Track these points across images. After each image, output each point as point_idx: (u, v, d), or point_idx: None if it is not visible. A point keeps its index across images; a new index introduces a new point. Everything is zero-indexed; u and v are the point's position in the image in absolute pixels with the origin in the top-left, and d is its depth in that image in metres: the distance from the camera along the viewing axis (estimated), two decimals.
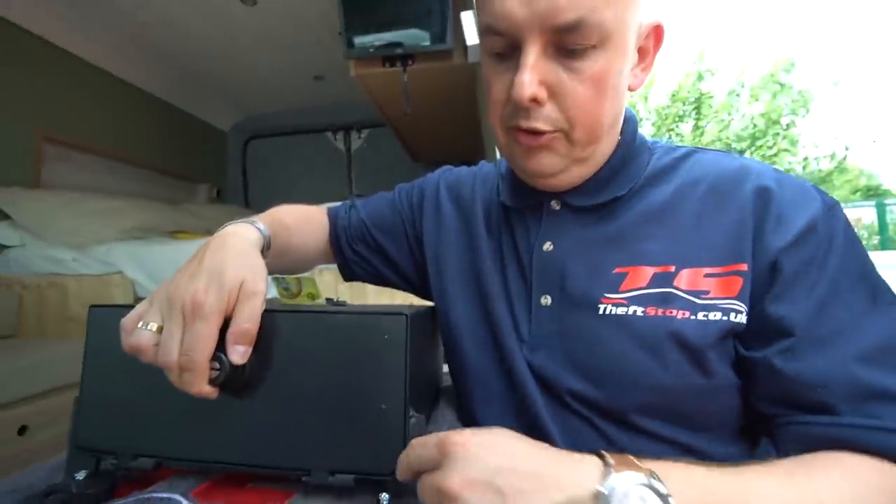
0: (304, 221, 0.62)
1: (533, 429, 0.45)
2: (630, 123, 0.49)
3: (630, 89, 0.45)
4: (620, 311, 0.42)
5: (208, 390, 0.35)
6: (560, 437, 0.44)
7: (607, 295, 0.43)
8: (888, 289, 0.38)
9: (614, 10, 0.37)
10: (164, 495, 0.39)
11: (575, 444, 0.42)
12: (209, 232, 2.40)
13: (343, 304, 0.65)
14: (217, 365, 0.35)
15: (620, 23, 0.38)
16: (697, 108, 8.23)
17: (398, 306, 0.52)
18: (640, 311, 0.41)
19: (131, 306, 0.39)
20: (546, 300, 0.47)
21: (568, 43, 0.38)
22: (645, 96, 8.76)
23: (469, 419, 0.53)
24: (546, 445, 0.31)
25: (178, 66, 2.59)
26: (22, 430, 1.28)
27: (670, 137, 7.91)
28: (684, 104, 8.26)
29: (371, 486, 0.36)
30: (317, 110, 3.21)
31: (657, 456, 0.31)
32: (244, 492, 0.40)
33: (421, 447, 0.31)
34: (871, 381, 0.35)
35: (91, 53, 2.23)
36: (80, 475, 0.40)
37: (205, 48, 2.39)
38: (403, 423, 0.37)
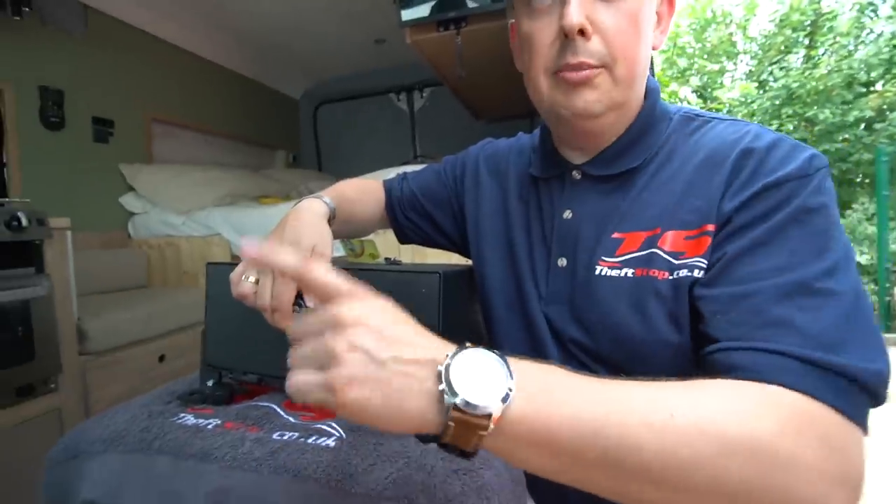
0: (364, 193, 0.71)
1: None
2: (652, 93, 0.52)
3: (653, 48, 0.49)
4: (614, 272, 0.47)
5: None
6: None
7: (604, 258, 0.48)
8: (843, 258, 0.37)
9: None
10: (264, 404, 0.54)
11: None
12: (288, 196, 2.64)
13: (398, 262, 0.75)
14: (297, 307, 0.47)
15: None
16: (811, 34, 6.76)
17: (436, 265, 0.60)
18: (630, 272, 0.46)
19: (236, 264, 0.51)
20: (562, 262, 0.52)
21: None
22: (743, 25, 7.41)
23: None
24: (421, 328, 0.31)
25: (254, 43, 2.77)
26: (161, 358, 1.62)
27: (771, 72, 6.65)
28: (794, 30, 6.81)
29: None
30: (379, 73, 3.27)
31: None
32: (314, 407, 0.53)
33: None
34: (773, 312, 0.35)
35: (181, 39, 2.48)
36: (210, 383, 0.56)
37: (275, 23, 2.52)
38: None
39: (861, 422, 0.31)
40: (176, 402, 0.56)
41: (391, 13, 1.52)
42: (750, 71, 7.09)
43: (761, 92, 6.27)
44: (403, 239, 0.77)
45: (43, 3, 1.72)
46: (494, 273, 0.61)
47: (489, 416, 0.26)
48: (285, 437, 0.46)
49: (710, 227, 0.43)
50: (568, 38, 0.44)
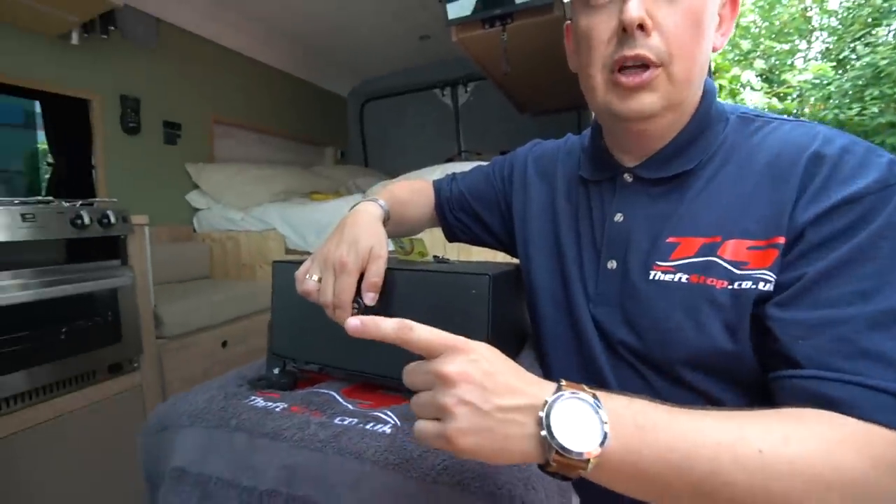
0: (415, 194, 0.74)
1: (590, 370, 0.53)
2: (708, 94, 0.50)
3: (713, 49, 0.48)
4: (668, 277, 0.47)
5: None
6: (612, 377, 0.52)
7: (658, 262, 0.48)
8: None
9: None
10: (324, 391, 0.58)
11: (623, 386, 0.50)
12: (337, 192, 2.74)
13: (446, 260, 0.78)
14: (356, 305, 0.50)
15: None
16: None
17: (486, 266, 0.62)
18: (684, 278, 0.46)
19: (300, 262, 0.56)
20: (612, 264, 0.52)
21: None
22: (820, 0, 6.70)
23: (543, 361, 0.62)
24: (520, 369, 0.35)
25: (304, 45, 2.90)
26: (224, 344, 1.75)
27: (853, 49, 5.96)
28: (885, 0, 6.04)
29: None
30: (424, 68, 3.31)
31: (690, 404, 0.37)
32: (375, 393, 0.57)
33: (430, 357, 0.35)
34: (865, 342, 0.34)
35: (239, 45, 2.64)
36: (276, 370, 0.61)
37: (323, 24, 2.62)
38: None
39: None
40: (246, 385, 0.62)
41: (435, 9, 1.54)
42: (826, 49, 6.45)
43: (840, 72, 5.70)
44: (452, 238, 0.80)
45: (124, 21, 1.90)
46: (542, 273, 0.62)
47: (587, 459, 0.29)
48: (346, 423, 0.50)
49: (780, 240, 0.41)
50: (627, 32, 0.43)
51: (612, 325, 0.51)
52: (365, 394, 0.58)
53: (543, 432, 0.30)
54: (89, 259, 1.29)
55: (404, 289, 0.53)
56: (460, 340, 0.34)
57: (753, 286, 0.42)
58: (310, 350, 0.60)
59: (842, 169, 0.40)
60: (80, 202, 1.27)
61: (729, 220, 0.45)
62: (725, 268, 0.43)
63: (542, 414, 0.30)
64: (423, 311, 0.52)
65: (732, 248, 0.44)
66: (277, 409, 0.54)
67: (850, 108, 5.13)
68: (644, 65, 0.44)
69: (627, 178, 0.54)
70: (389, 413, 0.52)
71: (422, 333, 0.34)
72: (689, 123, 0.50)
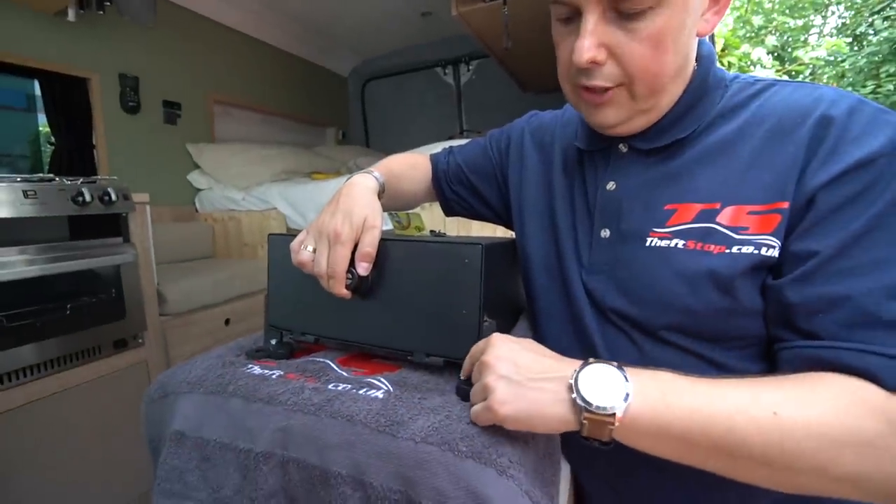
0: (411, 168, 0.74)
1: (581, 338, 0.54)
2: (705, 60, 0.49)
3: (699, 35, 0.45)
4: (664, 243, 0.46)
5: (345, 293, 0.50)
6: (602, 345, 0.52)
7: (655, 229, 0.48)
8: None
9: None
10: (320, 359, 0.59)
11: (613, 352, 0.50)
12: (338, 172, 2.74)
13: (443, 235, 0.78)
14: (350, 275, 0.50)
15: None
16: None
17: (479, 238, 0.62)
18: (681, 243, 0.45)
19: (295, 235, 0.56)
20: (605, 233, 0.52)
21: (624, 8, 0.40)
22: None
23: (536, 330, 0.63)
24: (555, 354, 0.40)
25: (305, 23, 2.84)
26: (227, 321, 1.78)
27: (871, 23, 5.75)
28: None
29: (454, 367, 0.50)
30: (426, 46, 3.25)
31: (681, 367, 0.38)
32: (369, 362, 0.58)
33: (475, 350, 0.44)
34: (884, 313, 0.35)
35: (240, 23, 2.59)
36: (273, 342, 0.62)
37: (323, 3, 2.57)
38: (478, 324, 0.49)
39: None
40: (244, 355, 0.63)
41: None
42: (843, 24, 6.24)
43: (855, 48, 5.53)
44: (449, 212, 0.80)
45: None
46: (536, 244, 0.62)
47: (614, 414, 0.33)
48: (339, 388, 0.51)
49: (784, 205, 0.41)
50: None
51: (603, 293, 0.52)
52: (360, 362, 0.59)
53: (573, 394, 0.34)
54: (92, 236, 1.30)
55: (398, 259, 0.53)
56: (497, 336, 0.41)
57: (755, 251, 0.41)
58: (306, 321, 0.60)
59: (851, 129, 0.39)
60: (82, 180, 1.28)
61: (728, 186, 0.44)
62: (724, 233, 0.43)
63: (571, 380, 0.35)
64: (416, 281, 0.52)
65: (731, 214, 0.43)
66: (273, 376, 0.55)
67: (865, 86, 5.00)
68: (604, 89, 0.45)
69: (622, 148, 0.53)
70: (382, 380, 0.53)
71: (473, 352, 0.43)
72: (683, 94, 0.48)
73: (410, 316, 0.52)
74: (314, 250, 0.50)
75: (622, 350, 0.50)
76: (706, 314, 0.44)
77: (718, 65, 0.52)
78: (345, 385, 0.51)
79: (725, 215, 0.44)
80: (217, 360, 0.62)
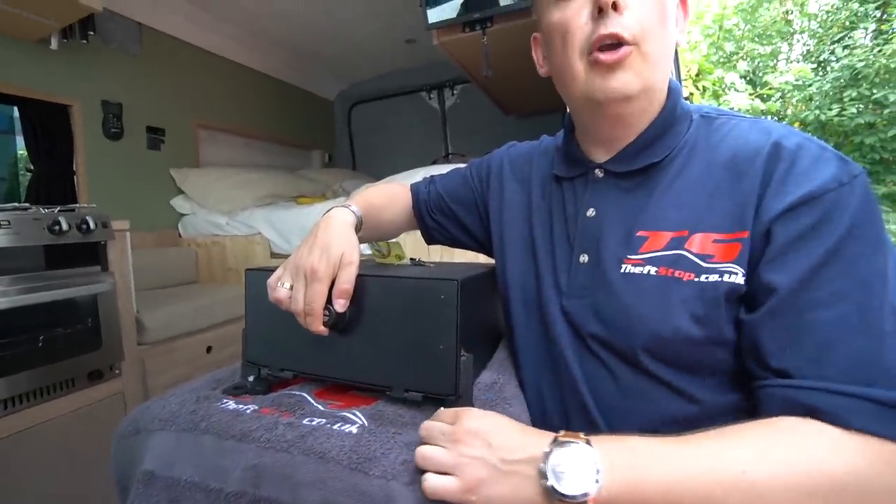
0: (390, 199, 0.75)
1: (557, 366, 0.55)
2: (673, 93, 0.53)
3: (676, 44, 0.52)
4: (637, 269, 0.48)
5: (322, 329, 0.50)
6: (580, 372, 0.53)
7: (629, 256, 0.49)
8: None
9: None
10: (296, 392, 0.59)
11: (590, 380, 0.51)
12: (324, 195, 2.74)
13: (422, 263, 0.78)
14: (327, 312, 0.50)
15: None
16: (884, 6, 6.07)
17: (458, 269, 0.63)
18: (653, 270, 0.47)
19: (272, 270, 0.56)
20: (584, 258, 0.54)
21: None
22: (801, 2, 6.81)
23: (514, 357, 0.64)
24: (524, 427, 0.40)
25: (290, 48, 2.90)
26: (208, 349, 1.74)
27: (833, 51, 6.08)
28: (863, 2, 6.18)
29: (433, 402, 0.50)
30: (411, 72, 3.32)
31: (654, 398, 0.39)
32: (346, 394, 0.57)
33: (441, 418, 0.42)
34: (843, 347, 0.36)
35: (224, 48, 2.63)
36: (250, 378, 0.61)
37: (308, 29, 2.63)
38: (455, 359, 0.49)
39: None
40: (220, 390, 0.62)
41: (420, 13, 1.56)
42: (807, 52, 6.58)
43: (820, 74, 5.82)
44: (430, 240, 0.81)
45: (104, 26, 1.88)
46: (515, 272, 0.63)
47: (586, 498, 0.33)
48: (314, 423, 0.50)
49: (744, 234, 0.43)
50: (602, 12, 0.46)
51: (582, 317, 0.53)
52: (336, 395, 0.58)
53: (544, 481, 0.34)
54: (68, 265, 1.28)
55: (375, 295, 0.53)
56: (467, 409, 0.41)
57: (720, 279, 0.43)
58: (284, 357, 0.60)
59: (799, 164, 0.42)
60: (59, 208, 1.26)
61: (695, 215, 0.47)
62: (693, 261, 0.45)
63: (543, 467, 0.34)
64: (393, 316, 0.52)
65: (699, 242, 0.45)
66: (248, 411, 0.54)
67: (831, 109, 5.24)
68: (619, 44, 0.47)
69: (598, 173, 0.55)
70: (358, 413, 0.53)
71: (441, 417, 0.42)
72: (656, 119, 0.52)
73: (388, 351, 0.52)
74: (291, 287, 0.50)
75: (598, 378, 0.51)
76: (676, 341, 0.45)
77: (685, 100, 0.56)
78: (319, 419, 0.51)
79: (694, 243, 0.46)
80: (191, 394, 0.61)
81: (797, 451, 0.33)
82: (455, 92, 3.41)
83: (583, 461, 0.34)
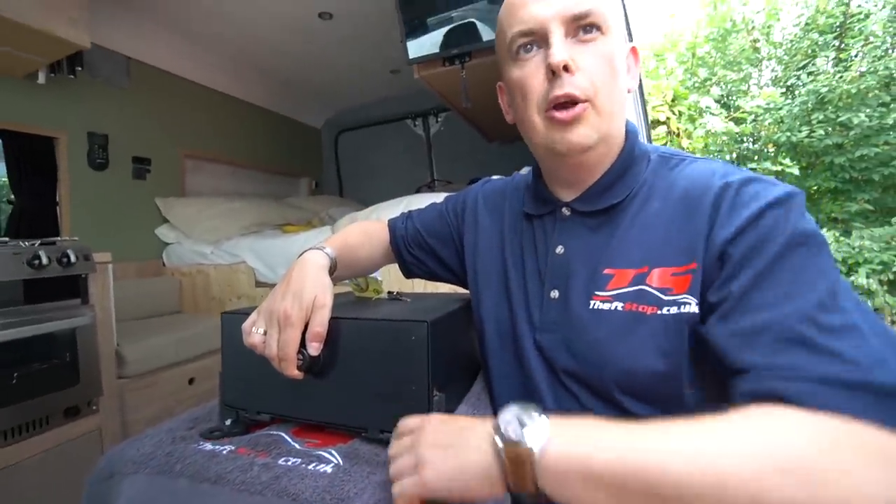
0: (366, 237, 0.77)
1: (533, 398, 0.56)
2: (630, 135, 0.57)
3: (628, 91, 0.55)
4: (605, 306, 0.51)
5: (297, 374, 0.51)
6: (554, 405, 0.54)
7: (597, 293, 0.52)
8: (838, 279, 0.40)
9: (609, 9, 0.51)
10: (274, 432, 0.59)
11: (563, 407, 0.53)
12: (310, 223, 2.75)
13: (399, 297, 0.80)
14: (301, 356, 0.51)
15: (614, 23, 0.52)
16: (840, 36, 6.47)
17: (432, 305, 0.65)
18: (620, 306, 0.50)
19: (248, 313, 0.57)
20: (555, 294, 0.56)
21: (582, 29, 0.50)
22: (766, 31, 7.20)
23: (490, 388, 0.65)
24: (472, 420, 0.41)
25: (275, 78, 2.96)
26: (191, 381, 1.71)
27: (798, 77, 6.39)
28: (822, 33, 6.57)
29: None
30: (396, 100, 3.40)
31: None
32: (324, 432, 0.58)
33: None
34: (796, 338, 0.37)
35: (211, 80, 2.68)
36: (228, 421, 0.62)
37: (294, 60, 2.70)
38: (428, 399, 0.51)
39: (881, 419, 0.31)
40: (197, 430, 0.62)
41: (402, 46, 1.62)
42: (776, 77, 6.91)
43: (789, 98, 6.10)
44: (408, 274, 0.83)
45: (92, 61, 1.92)
46: (489, 305, 0.65)
47: (531, 451, 0.33)
48: (289, 463, 0.51)
49: (694, 266, 0.46)
50: (555, 74, 0.49)
51: (554, 351, 0.55)
52: (314, 432, 0.59)
53: (495, 436, 0.35)
54: (48, 299, 1.27)
55: (348, 337, 0.55)
56: (420, 417, 0.43)
57: (678, 310, 0.46)
58: (260, 400, 0.60)
59: (743, 195, 0.45)
60: (39, 242, 1.26)
61: (654, 251, 0.49)
62: (655, 295, 0.48)
63: (492, 425, 0.36)
64: (367, 358, 0.54)
65: (658, 277, 0.48)
66: (224, 452, 0.55)
67: (801, 131, 5.47)
68: (574, 102, 0.50)
69: (566, 211, 0.58)
70: (334, 452, 0.53)
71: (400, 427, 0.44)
72: (615, 161, 0.55)
73: (363, 392, 0.53)
74: (265, 332, 0.52)
75: (572, 412, 0.53)
76: (645, 375, 0.47)
77: (643, 139, 0.60)
78: (295, 459, 0.52)
79: (654, 278, 0.49)
80: (167, 434, 0.61)
81: (757, 431, 0.32)
82: (439, 119, 3.49)
83: (533, 417, 0.35)
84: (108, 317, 1.44)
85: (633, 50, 0.57)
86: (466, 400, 0.65)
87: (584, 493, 0.33)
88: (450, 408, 0.60)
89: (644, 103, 1.01)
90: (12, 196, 1.82)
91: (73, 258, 1.29)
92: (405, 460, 0.39)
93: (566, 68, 0.49)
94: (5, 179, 1.87)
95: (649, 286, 0.48)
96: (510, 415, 0.36)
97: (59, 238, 1.36)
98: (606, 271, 0.52)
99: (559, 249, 0.57)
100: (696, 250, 0.46)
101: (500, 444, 0.34)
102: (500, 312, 0.63)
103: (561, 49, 0.49)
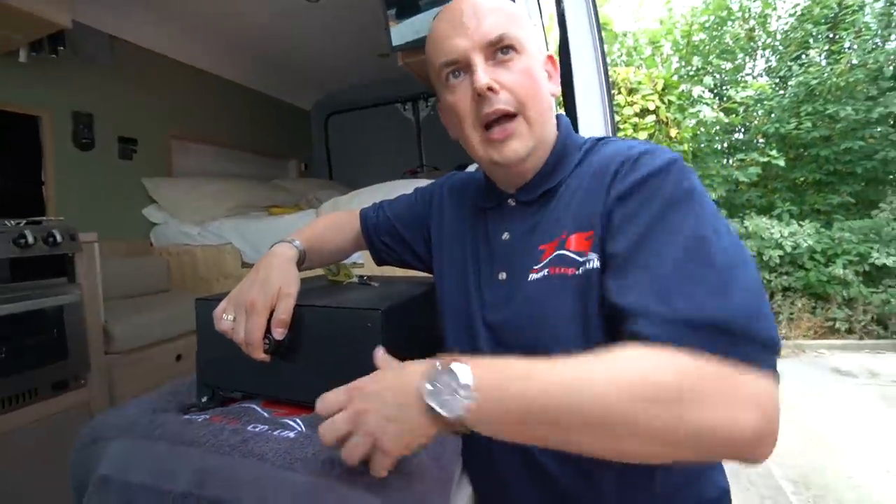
0: (339, 226, 0.83)
1: None
2: (563, 129, 0.63)
3: (552, 95, 0.61)
4: (539, 275, 0.57)
5: (263, 357, 0.56)
6: None
7: (534, 267, 0.58)
8: (713, 230, 0.45)
9: (520, 30, 0.57)
10: (246, 404, 0.65)
11: None
12: (297, 205, 2.78)
13: (368, 282, 0.85)
14: (267, 341, 0.56)
15: (527, 41, 0.58)
16: (833, 28, 6.46)
17: (387, 295, 0.69)
18: (546, 272, 0.56)
19: (220, 299, 0.61)
20: (502, 275, 0.62)
21: (499, 52, 0.56)
22: (762, 20, 7.15)
23: None
24: (407, 365, 0.46)
25: (265, 59, 2.93)
26: (178, 357, 1.77)
27: (790, 68, 6.37)
28: (816, 24, 6.56)
29: None
30: (385, 83, 3.37)
31: None
32: (289, 406, 0.64)
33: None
34: (662, 289, 0.43)
35: (197, 60, 2.65)
36: (204, 398, 0.67)
37: (283, 42, 2.67)
38: None
39: (744, 358, 0.38)
40: (176, 405, 0.67)
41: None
42: (770, 68, 6.92)
43: (780, 90, 6.13)
44: (379, 261, 0.88)
45: (74, 39, 1.90)
46: (448, 290, 0.71)
47: (460, 417, 0.39)
48: (256, 429, 0.57)
49: (597, 227, 0.52)
50: (482, 96, 0.55)
51: (501, 326, 0.61)
52: (281, 404, 0.65)
53: (426, 403, 0.40)
54: (35, 277, 1.30)
55: (310, 324, 0.60)
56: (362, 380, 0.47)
57: (590, 266, 0.52)
58: (234, 379, 0.65)
59: (639, 163, 0.52)
60: (25, 221, 1.29)
61: (571, 220, 0.56)
62: (572, 257, 0.54)
63: (419, 385, 0.41)
64: (327, 342, 0.59)
65: (575, 241, 0.55)
66: (199, 420, 0.60)
67: (789, 123, 5.52)
68: (506, 116, 0.56)
69: (511, 202, 0.65)
70: (298, 420, 0.59)
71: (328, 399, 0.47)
72: (548, 157, 0.62)
73: (324, 373, 0.59)
74: (234, 318, 0.56)
75: None
76: (568, 325, 0.53)
77: (576, 132, 0.67)
78: (262, 426, 0.58)
79: (571, 243, 0.55)
80: (149, 405, 0.66)
81: (630, 366, 0.39)
82: (429, 104, 3.49)
83: (454, 382, 0.40)
84: (95, 295, 1.48)
85: (551, 58, 0.63)
86: None
87: (507, 427, 0.40)
88: None
89: (611, 99, 1.05)
90: None
91: (58, 238, 1.32)
92: (357, 441, 0.42)
93: (490, 89, 0.54)
94: None
95: (568, 250, 0.55)
96: (434, 378, 0.40)
97: (45, 218, 1.38)
98: (540, 247, 0.58)
99: (505, 236, 0.64)
100: (598, 213, 0.53)
101: (438, 411, 0.39)
102: (456, 295, 0.69)
103: (482, 74, 0.54)
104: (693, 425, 0.36)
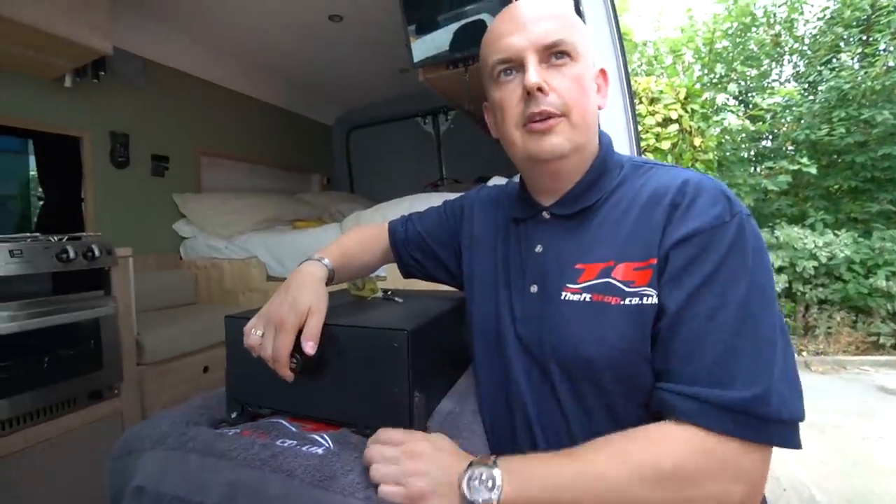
0: (367, 242, 0.83)
1: (510, 383, 0.62)
2: (604, 145, 0.63)
3: (599, 108, 0.61)
4: (575, 297, 0.56)
5: (289, 374, 0.56)
6: (527, 389, 0.60)
7: (569, 285, 0.57)
8: (767, 302, 0.46)
9: (577, 38, 0.58)
10: (275, 420, 0.65)
11: (536, 394, 0.59)
12: (320, 219, 2.83)
13: (392, 298, 0.85)
14: (294, 359, 0.56)
15: (583, 50, 0.58)
16: (866, 30, 6.22)
17: (414, 313, 0.69)
18: (588, 297, 0.55)
19: (249, 317, 0.62)
20: (534, 288, 0.62)
21: (554, 56, 0.57)
22: (789, 25, 6.96)
23: (476, 377, 0.71)
24: (453, 450, 0.49)
25: (289, 78, 3.04)
26: (205, 369, 1.81)
27: (820, 73, 6.16)
28: (847, 27, 6.34)
29: None
30: (406, 98, 3.44)
31: (593, 413, 0.51)
32: (316, 423, 0.64)
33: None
34: (708, 357, 0.45)
35: (226, 80, 2.77)
36: (234, 413, 0.68)
37: (306, 60, 2.77)
38: (409, 400, 0.56)
39: (748, 438, 0.43)
40: (207, 418, 0.68)
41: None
42: (798, 73, 6.73)
43: (810, 96, 5.94)
44: (406, 275, 0.88)
45: (113, 63, 2.01)
46: (479, 304, 0.70)
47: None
48: (285, 444, 0.57)
49: (654, 260, 0.52)
50: (531, 95, 0.55)
51: (531, 339, 0.60)
52: (311, 419, 0.65)
53: (462, 493, 0.44)
54: (74, 290, 1.36)
55: (336, 342, 0.60)
56: (410, 433, 0.51)
57: (640, 301, 0.52)
58: (262, 395, 0.66)
59: (697, 202, 0.52)
60: (67, 237, 1.35)
61: (620, 248, 0.55)
62: (618, 287, 0.53)
63: (460, 478, 0.45)
64: (354, 362, 0.59)
65: (623, 270, 0.54)
66: (230, 434, 0.61)
67: (820, 129, 5.33)
68: (549, 116, 0.56)
69: (546, 215, 0.64)
70: (326, 437, 0.59)
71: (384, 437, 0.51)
72: (589, 170, 0.61)
73: (351, 392, 0.60)
74: (263, 335, 0.57)
75: (544, 393, 0.59)
76: (608, 356, 0.53)
77: (617, 150, 0.66)
78: (291, 441, 0.58)
79: (618, 271, 0.54)
80: (181, 417, 0.68)
81: (643, 449, 0.44)
82: (449, 118, 3.52)
83: (487, 478, 0.44)
84: (129, 307, 1.53)
85: (603, 72, 0.62)
86: (450, 395, 0.71)
87: None
88: (436, 400, 0.66)
89: (633, 109, 1.04)
90: (41, 194, 1.93)
91: (97, 252, 1.38)
92: (390, 469, 0.46)
93: (540, 89, 0.55)
94: (34, 173, 1.97)
95: (614, 279, 0.54)
96: (473, 476, 0.45)
97: (84, 233, 1.45)
98: (578, 266, 0.57)
99: (538, 248, 0.63)
100: (654, 246, 0.52)
101: (465, 498, 0.44)
102: (487, 308, 0.68)
103: (535, 73, 0.55)
104: (690, 500, 0.42)
